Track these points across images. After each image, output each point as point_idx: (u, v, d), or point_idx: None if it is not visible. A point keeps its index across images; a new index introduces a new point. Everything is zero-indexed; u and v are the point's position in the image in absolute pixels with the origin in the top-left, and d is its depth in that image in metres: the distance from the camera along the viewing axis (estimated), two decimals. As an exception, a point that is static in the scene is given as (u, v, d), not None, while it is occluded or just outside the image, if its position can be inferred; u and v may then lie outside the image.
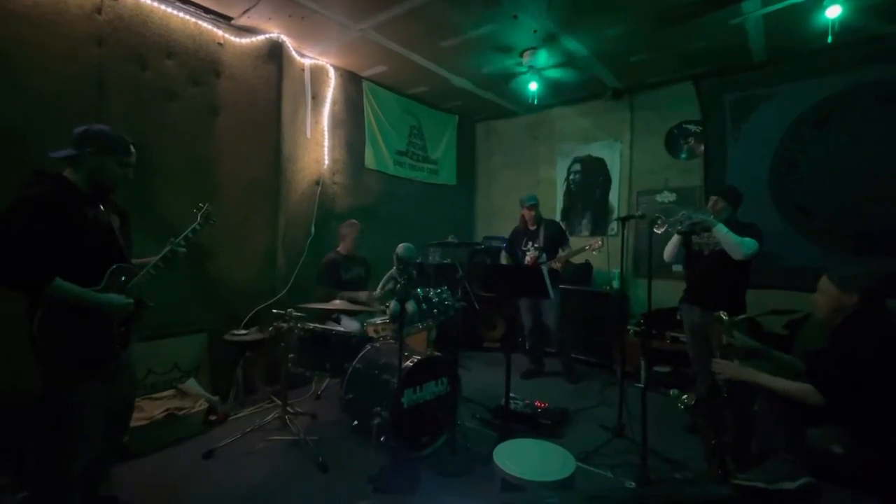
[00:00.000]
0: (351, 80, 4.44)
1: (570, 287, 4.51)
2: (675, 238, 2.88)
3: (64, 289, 1.57)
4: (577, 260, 4.78)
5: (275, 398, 3.26)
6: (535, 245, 3.96)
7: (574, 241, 4.22)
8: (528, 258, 3.96)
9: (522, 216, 4.10)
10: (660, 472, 2.40)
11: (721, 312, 2.32)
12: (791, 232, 3.78)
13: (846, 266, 2.08)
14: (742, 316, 2.29)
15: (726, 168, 4.19)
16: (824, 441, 1.74)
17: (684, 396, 2.40)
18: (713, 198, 2.84)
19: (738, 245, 2.57)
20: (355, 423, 2.66)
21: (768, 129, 3.95)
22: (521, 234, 4.11)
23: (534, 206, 3.98)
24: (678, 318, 3.01)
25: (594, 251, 3.66)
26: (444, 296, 3.16)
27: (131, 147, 1.83)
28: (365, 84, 4.56)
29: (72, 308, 1.61)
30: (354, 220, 3.81)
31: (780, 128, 3.88)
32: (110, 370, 1.76)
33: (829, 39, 2.97)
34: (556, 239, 3.95)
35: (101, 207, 1.78)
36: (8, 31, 2.43)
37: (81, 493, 1.76)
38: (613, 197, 4.98)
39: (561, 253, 3.81)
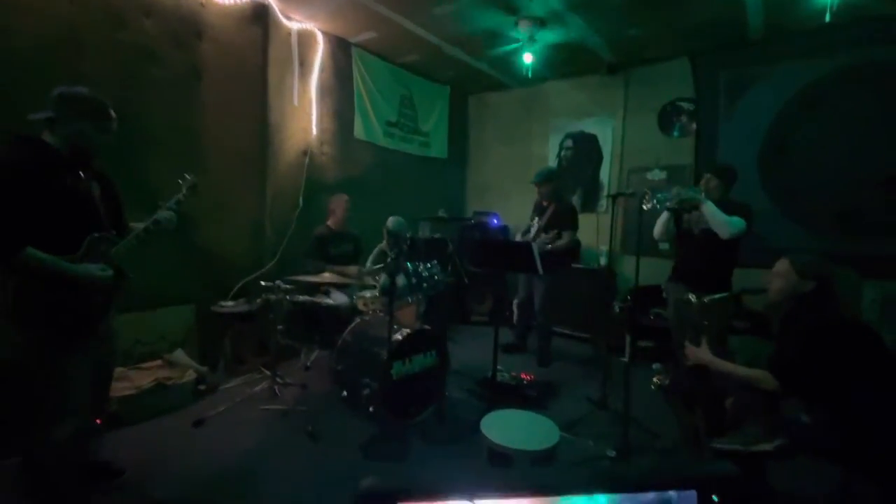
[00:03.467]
0: (340, 47, 4.28)
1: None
2: (665, 215, 2.86)
3: (37, 258, 1.52)
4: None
5: (264, 369, 3.28)
6: (540, 223, 3.87)
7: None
8: (531, 233, 3.88)
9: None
10: (640, 441, 2.50)
11: (690, 294, 2.36)
12: (777, 213, 3.85)
13: (806, 250, 2.13)
14: (712, 296, 2.30)
15: (717, 147, 4.20)
16: (794, 410, 1.82)
17: (655, 378, 2.47)
18: (706, 175, 2.81)
19: (724, 224, 2.56)
20: (345, 394, 2.69)
21: (761, 109, 3.95)
22: (536, 209, 4.00)
23: (538, 183, 3.84)
24: (664, 295, 3.03)
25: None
26: (434, 270, 3.16)
27: (111, 111, 1.75)
28: (354, 51, 4.40)
29: (46, 278, 1.56)
30: (344, 194, 3.74)
31: (773, 108, 3.89)
32: (90, 340, 1.73)
33: (828, 18, 2.94)
34: (560, 221, 3.76)
35: (81, 174, 1.71)
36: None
37: (72, 460, 1.77)
38: (604, 174, 4.98)
39: (559, 241, 3.68)
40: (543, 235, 3.77)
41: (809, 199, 3.75)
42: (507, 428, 2.12)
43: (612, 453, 2.37)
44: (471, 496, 0.36)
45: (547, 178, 3.84)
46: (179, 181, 2.04)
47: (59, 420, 1.65)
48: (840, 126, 3.61)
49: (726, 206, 2.62)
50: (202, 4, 3.22)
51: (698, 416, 2.32)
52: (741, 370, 1.92)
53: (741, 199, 2.79)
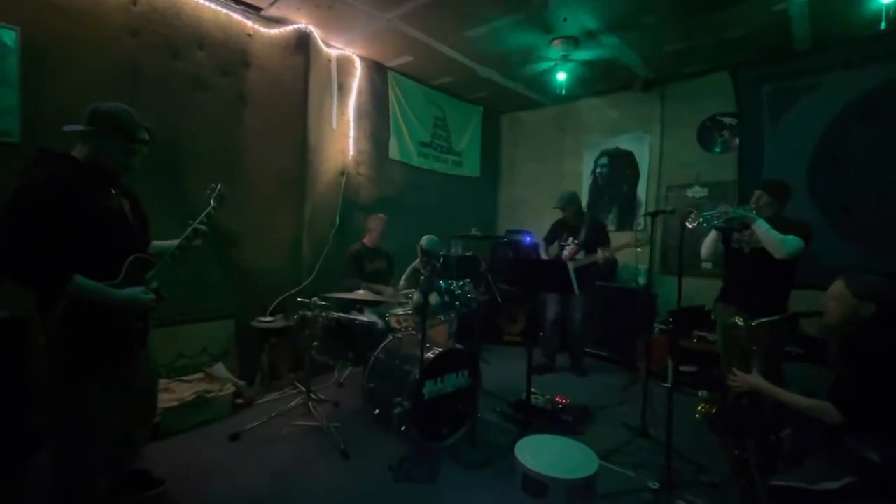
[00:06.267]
0: (376, 71, 4.43)
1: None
2: (713, 234, 2.73)
3: (84, 286, 1.46)
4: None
5: (298, 385, 3.33)
6: (576, 241, 3.92)
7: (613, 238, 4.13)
8: (566, 252, 3.93)
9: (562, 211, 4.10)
10: (684, 474, 2.35)
11: (737, 318, 2.22)
12: (828, 230, 3.61)
13: (863, 269, 1.97)
14: (760, 320, 2.16)
15: (762, 162, 4.02)
16: (860, 447, 1.66)
17: (700, 407, 2.32)
18: (757, 192, 2.64)
19: (779, 243, 2.40)
20: (376, 412, 2.69)
21: (809, 122, 3.76)
22: (563, 228, 4.08)
23: (563, 207, 3.99)
24: (712, 318, 2.87)
25: (639, 248, 3.59)
26: (467, 288, 3.14)
27: (144, 132, 1.66)
28: (390, 74, 4.55)
29: (91, 305, 1.49)
30: (382, 214, 3.83)
31: (823, 120, 3.69)
32: (130, 365, 1.70)
33: (883, 26, 2.79)
34: (597, 238, 3.89)
35: (112, 191, 1.64)
36: (48, 23, 2.52)
37: (108, 477, 1.78)
38: (641, 191, 4.85)
39: (600, 253, 3.73)
40: (584, 253, 3.83)
41: (866, 214, 3.51)
42: (543, 454, 2.05)
43: (654, 485, 2.24)
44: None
45: (570, 202, 4.00)
46: (208, 192, 1.92)
47: (90, 447, 1.61)
48: (900, 137, 3.38)
49: (780, 224, 2.47)
50: (249, 35, 3.42)
51: (749, 449, 2.16)
52: (799, 399, 1.78)
53: (793, 216, 2.62)
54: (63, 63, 2.57)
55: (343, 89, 4.15)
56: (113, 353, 1.61)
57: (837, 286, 1.83)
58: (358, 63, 4.23)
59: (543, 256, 4.25)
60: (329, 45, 3.96)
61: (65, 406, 1.56)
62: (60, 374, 1.54)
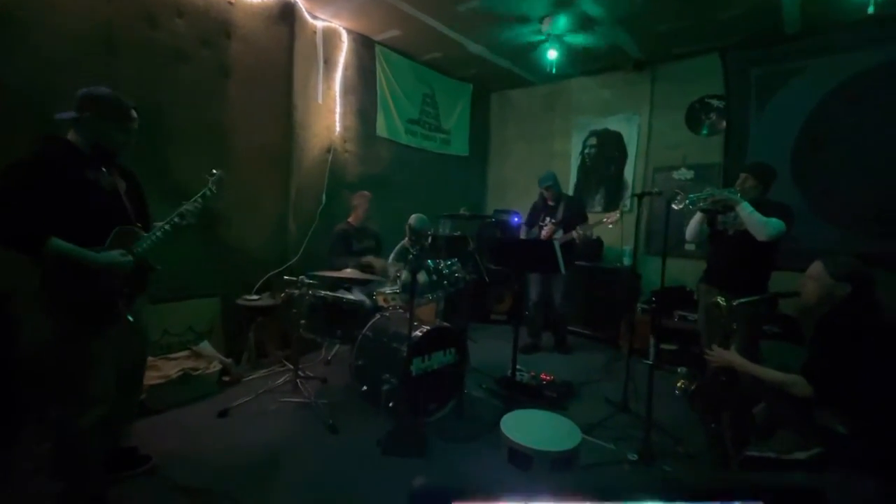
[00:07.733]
0: (364, 45, 4.31)
1: (579, 263, 4.49)
2: (698, 216, 2.77)
3: (60, 247, 1.57)
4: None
5: (286, 362, 3.33)
6: (553, 220, 3.95)
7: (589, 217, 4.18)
8: (544, 232, 3.96)
9: (541, 193, 4.11)
10: (662, 446, 2.45)
11: (719, 298, 2.29)
12: (809, 213, 3.70)
13: (841, 251, 2.04)
14: (741, 299, 2.23)
15: (748, 145, 4.07)
16: (829, 420, 1.75)
17: (679, 383, 2.40)
18: (742, 175, 2.67)
19: (762, 225, 2.45)
20: (364, 388, 2.72)
21: (795, 106, 3.81)
22: (541, 210, 4.11)
23: (550, 187, 4.01)
24: (695, 298, 2.94)
25: (610, 225, 3.61)
26: (455, 268, 3.15)
27: (133, 112, 1.78)
28: (378, 49, 4.43)
29: (72, 266, 1.61)
30: (366, 192, 3.78)
31: (809, 104, 3.73)
32: (117, 329, 1.76)
33: (871, 10, 2.80)
34: (574, 215, 3.94)
35: (104, 170, 1.75)
36: (16, -15, 2.37)
37: (100, 446, 1.80)
38: (629, 172, 4.88)
39: (576, 231, 3.77)
40: (562, 232, 3.87)
41: (846, 198, 3.60)
42: (528, 428, 2.11)
43: (633, 457, 2.33)
44: (526, 498, 0.35)
45: (548, 182, 4.02)
46: (207, 176, 2.04)
47: (83, 407, 1.69)
48: (882, 122, 3.44)
49: (763, 207, 2.51)
50: (231, 3, 3.28)
51: (724, 423, 2.26)
52: (773, 373, 1.86)
53: (776, 199, 2.68)
54: (32, 30, 2.43)
55: (329, 63, 4.03)
56: (98, 312, 1.71)
57: (815, 267, 1.90)
58: (344, 36, 4.10)
59: (523, 236, 4.30)
60: (314, 17, 3.82)
61: (59, 361, 1.71)
62: (53, 331, 1.67)
